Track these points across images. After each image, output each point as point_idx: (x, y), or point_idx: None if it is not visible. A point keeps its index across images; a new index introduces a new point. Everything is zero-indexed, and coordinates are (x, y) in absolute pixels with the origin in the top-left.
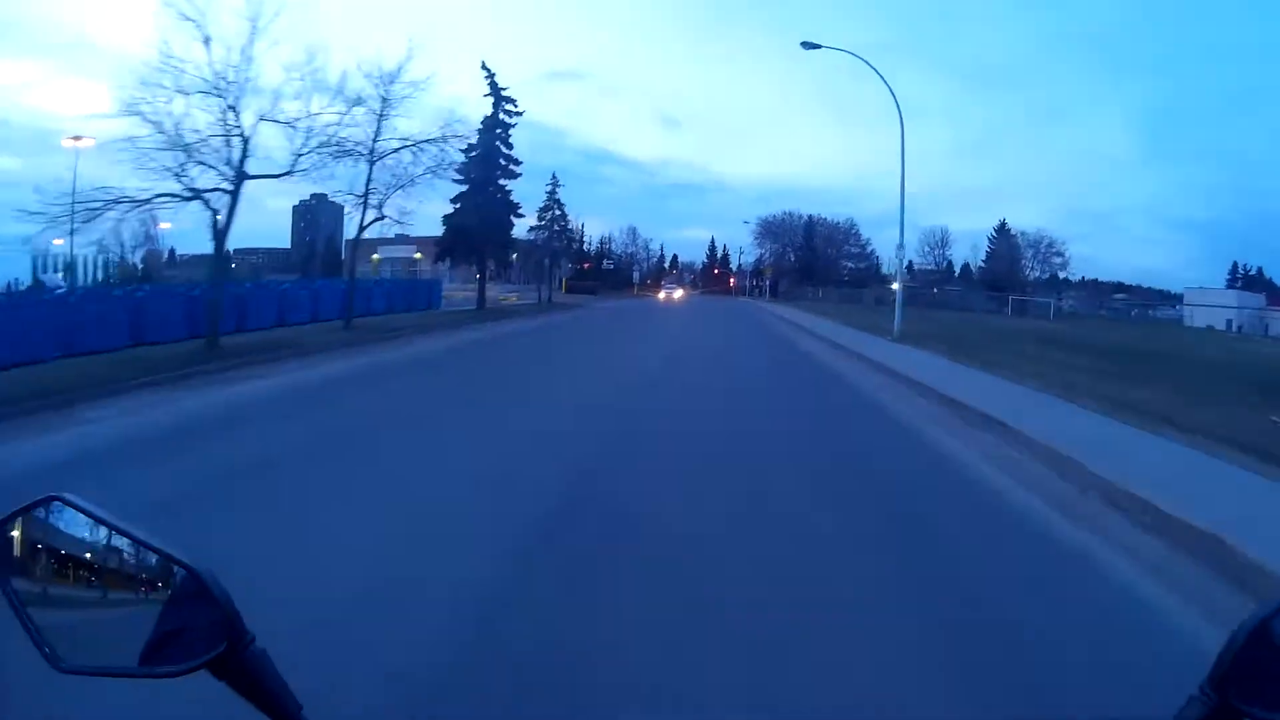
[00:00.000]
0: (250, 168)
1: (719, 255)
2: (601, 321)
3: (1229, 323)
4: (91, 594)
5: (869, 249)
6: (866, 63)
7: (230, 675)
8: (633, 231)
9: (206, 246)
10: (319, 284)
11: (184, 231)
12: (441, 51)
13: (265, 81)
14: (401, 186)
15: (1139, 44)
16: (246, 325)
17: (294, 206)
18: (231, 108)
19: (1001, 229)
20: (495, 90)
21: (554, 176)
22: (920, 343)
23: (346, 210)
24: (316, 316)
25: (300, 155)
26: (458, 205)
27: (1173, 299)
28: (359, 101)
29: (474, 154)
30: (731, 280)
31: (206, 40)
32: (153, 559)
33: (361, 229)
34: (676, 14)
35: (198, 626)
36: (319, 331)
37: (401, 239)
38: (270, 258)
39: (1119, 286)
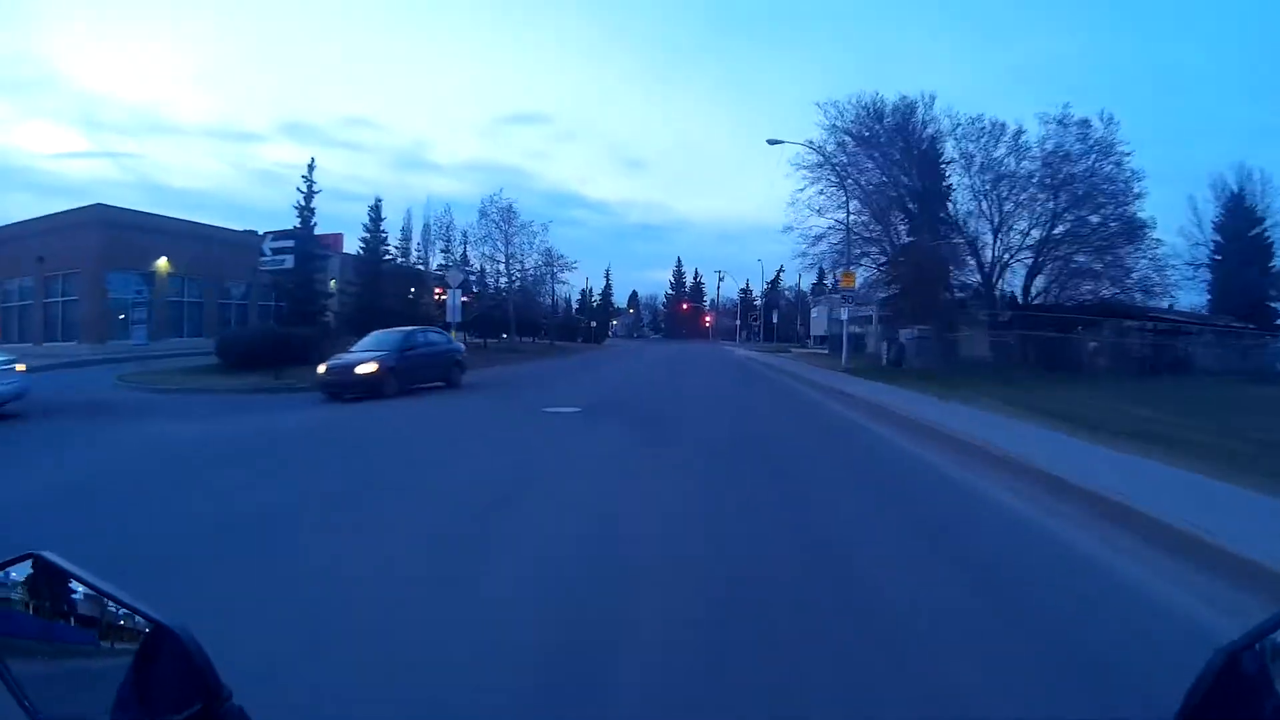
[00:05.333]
0: None
1: (687, 286)
2: None
3: None
4: (70, 649)
5: (1138, 209)
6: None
7: None
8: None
9: None
10: None
11: None
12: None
13: None
14: None
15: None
16: None
17: None
18: None
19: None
20: None
21: None
22: None
23: None
24: None
25: None
26: None
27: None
28: None
29: None
30: (707, 318)
31: None
32: (130, 616)
33: None
34: (634, 60)
35: (175, 682)
36: None
37: None
38: None
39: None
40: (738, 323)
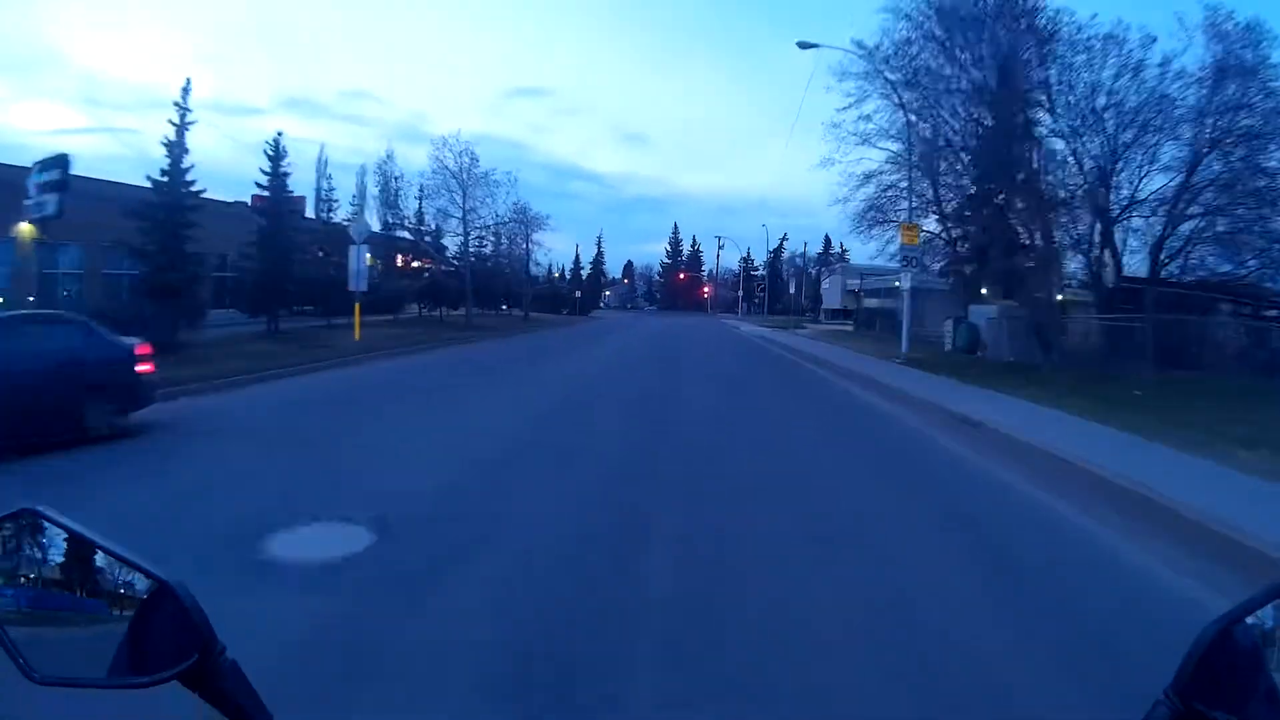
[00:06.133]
0: None
1: (685, 255)
2: None
3: None
4: (64, 605)
5: None
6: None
7: (201, 685)
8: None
9: None
10: None
11: None
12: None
13: None
14: None
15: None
16: None
17: None
18: None
19: None
20: None
21: None
22: None
23: None
24: None
25: None
26: None
27: None
28: None
29: None
30: (705, 289)
31: None
32: (124, 571)
33: None
34: (638, 34)
35: (169, 637)
36: None
37: None
38: None
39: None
40: (739, 294)
